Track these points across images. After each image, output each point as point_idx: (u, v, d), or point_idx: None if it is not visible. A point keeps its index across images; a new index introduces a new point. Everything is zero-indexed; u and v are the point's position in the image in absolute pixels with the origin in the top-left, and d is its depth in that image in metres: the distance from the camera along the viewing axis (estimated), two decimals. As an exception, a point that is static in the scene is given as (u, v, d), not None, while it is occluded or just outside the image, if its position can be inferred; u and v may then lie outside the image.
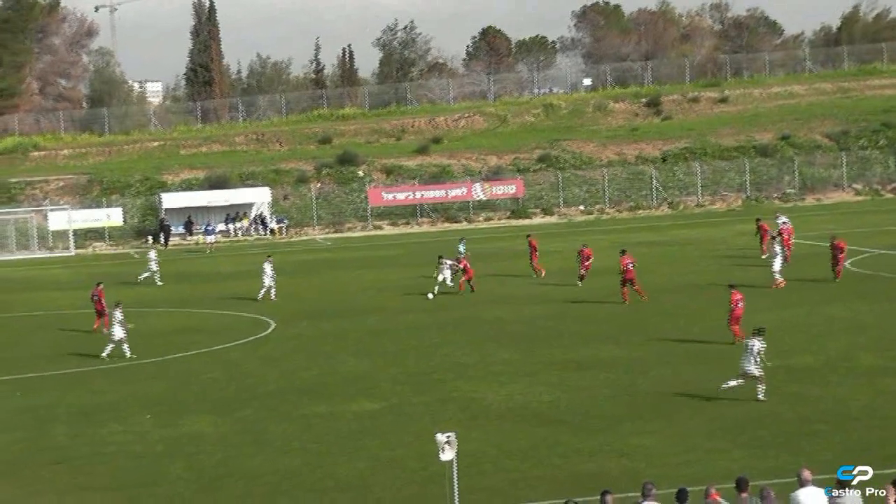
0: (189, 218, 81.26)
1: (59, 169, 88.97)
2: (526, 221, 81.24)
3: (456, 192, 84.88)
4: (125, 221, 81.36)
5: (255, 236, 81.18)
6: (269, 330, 40.58)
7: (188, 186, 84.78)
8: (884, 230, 60.73)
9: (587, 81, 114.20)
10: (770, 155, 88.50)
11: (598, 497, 16.47)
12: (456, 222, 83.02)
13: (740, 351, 31.41)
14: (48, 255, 76.27)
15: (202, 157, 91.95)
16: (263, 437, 25.92)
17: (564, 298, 43.77)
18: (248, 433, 26.35)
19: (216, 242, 76.40)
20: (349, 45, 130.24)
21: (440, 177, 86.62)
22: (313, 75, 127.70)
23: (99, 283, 43.11)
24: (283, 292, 47.89)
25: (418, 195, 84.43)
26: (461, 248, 52.45)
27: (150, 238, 79.64)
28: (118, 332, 36.14)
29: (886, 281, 44.16)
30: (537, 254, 51.06)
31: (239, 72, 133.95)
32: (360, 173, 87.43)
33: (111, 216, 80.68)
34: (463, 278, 46.74)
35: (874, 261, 49.58)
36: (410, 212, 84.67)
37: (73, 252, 76.70)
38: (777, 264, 43.87)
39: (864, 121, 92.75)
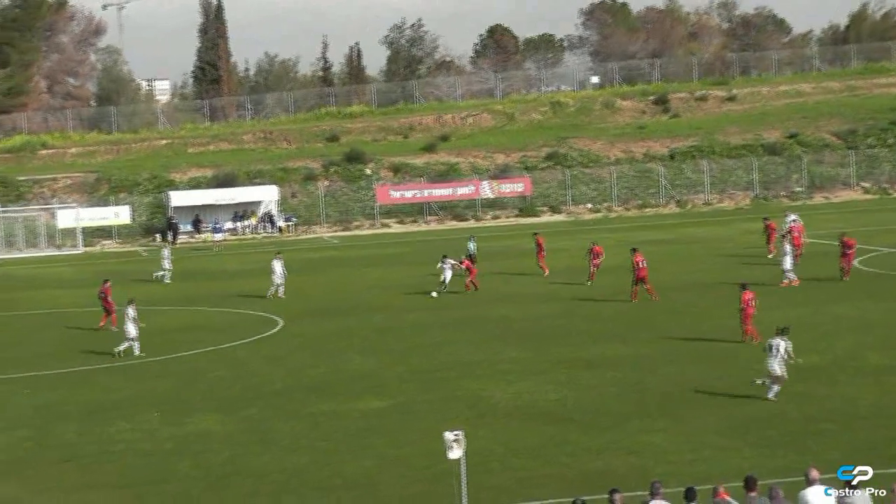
0: (197, 216, 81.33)
1: (68, 167, 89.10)
2: (534, 219, 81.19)
3: (464, 191, 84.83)
4: (133, 220, 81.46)
5: (263, 234, 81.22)
6: (276, 328, 40.60)
7: (196, 185, 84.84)
8: (892, 229, 60.60)
9: (595, 79, 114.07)
10: (778, 153, 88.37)
11: (607, 495, 16.44)
12: (464, 220, 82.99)
13: (749, 349, 31.46)
14: (56, 253, 76.41)
15: (210, 155, 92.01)
16: (270, 435, 25.93)
17: (572, 296, 43.73)
18: (255, 431, 26.36)
19: (224, 240, 76.47)
20: (357, 43, 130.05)
21: (448, 175, 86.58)
22: (321, 73, 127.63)
23: (106, 281, 43.19)
24: (291, 290, 47.93)
25: (426, 193, 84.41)
26: (471, 245, 52.46)
27: (158, 236, 79.71)
28: (131, 330, 36.17)
29: (894, 280, 44.04)
30: (544, 252, 51.04)
31: (247, 70, 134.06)
32: (368, 171, 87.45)
33: (119, 214, 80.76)
34: (468, 279, 46.68)
35: (882, 259, 49.47)
36: (418, 210, 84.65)
37: (81, 250, 76.85)
38: (788, 263, 43.75)
39: (872, 119, 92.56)
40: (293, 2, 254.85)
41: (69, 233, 78.57)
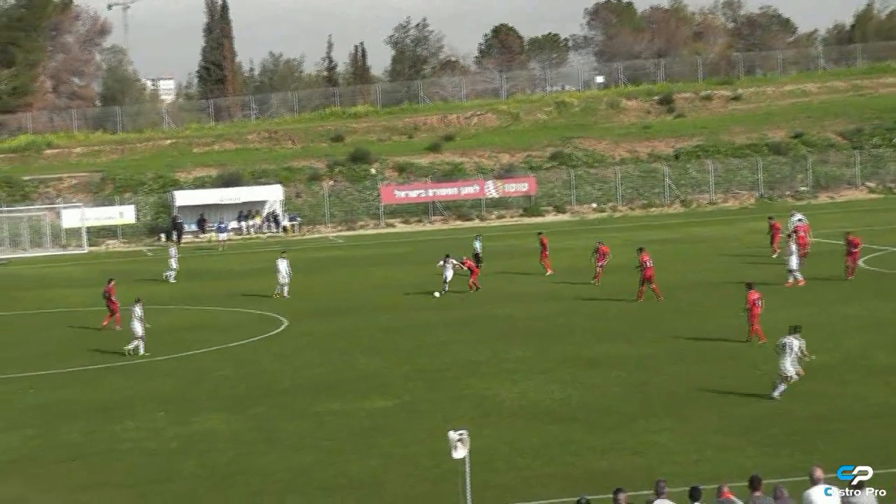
0: (202, 216, 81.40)
1: (73, 167, 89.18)
2: (538, 219, 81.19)
3: (468, 190, 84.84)
4: (138, 219, 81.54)
5: (268, 234, 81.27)
6: (281, 327, 40.62)
7: (201, 184, 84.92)
8: (897, 228, 60.56)
9: (600, 79, 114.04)
10: (783, 153, 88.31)
11: (611, 495, 16.43)
12: (468, 220, 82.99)
13: (754, 349, 31.44)
14: (61, 252, 76.50)
15: (215, 154, 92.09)
16: (276, 434, 25.94)
17: (576, 296, 43.73)
18: (260, 430, 26.37)
19: (228, 240, 76.52)
20: (362, 43, 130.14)
21: (452, 175, 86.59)
22: (326, 73, 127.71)
23: (110, 280, 43.24)
24: (295, 290, 47.95)
25: (430, 193, 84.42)
26: (477, 245, 52.47)
27: (163, 236, 79.78)
28: (138, 329, 36.22)
29: (900, 279, 44.02)
30: (547, 252, 51.05)
31: (252, 70, 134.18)
32: (373, 171, 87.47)
33: (124, 214, 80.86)
34: (471, 279, 46.68)
35: (889, 259, 49.42)
36: (423, 210, 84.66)
37: (86, 250, 76.94)
38: (794, 262, 43.68)
39: (877, 119, 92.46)
40: (298, 2, 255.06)
41: (74, 232, 78.66)
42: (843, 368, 29.22)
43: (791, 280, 43.31)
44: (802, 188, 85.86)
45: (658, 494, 16.53)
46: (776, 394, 26.18)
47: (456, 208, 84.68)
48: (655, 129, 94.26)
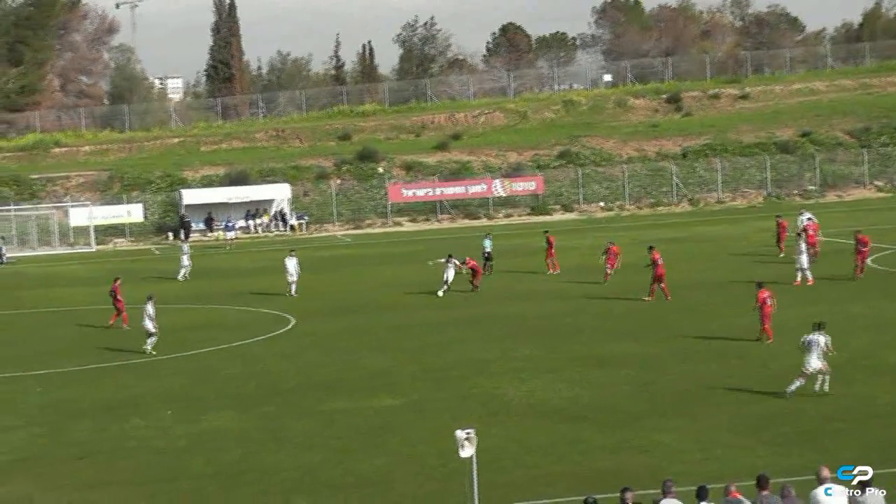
0: (209, 214, 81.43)
1: (80, 165, 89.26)
2: (546, 218, 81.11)
3: (476, 189, 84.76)
4: (146, 218, 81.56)
5: (275, 233, 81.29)
6: (289, 326, 40.65)
7: (208, 183, 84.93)
8: (906, 227, 60.41)
9: (607, 78, 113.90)
10: (791, 152, 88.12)
11: (619, 494, 16.43)
12: (476, 219, 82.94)
13: (762, 347, 31.42)
14: (69, 251, 76.59)
15: (222, 153, 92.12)
16: (284, 433, 25.96)
17: (583, 294, 43.70)
18: (268, 429, 26.39)
19: (236, 239, 76.56)
20: (369, 42, 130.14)
21: (460, 173, 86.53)
22: (333, 72, 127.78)
23: (116, 279, 43.26)
24: (303, 288, 47.96)
25: (438, 192, 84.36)
26: (487, 243, 52.43)
27: (171, 234, 79.84)
28: (150, 326, 36.26)
29: (909, 278, 43.93)
30: (554, 250, 51.03)
31: (259, 68, 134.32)
32: (380, 170, 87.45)
33: (132, 213, 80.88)
34: (475, 280, 46.62)
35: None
36: (430, 208, 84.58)
37: (93, 248, 77.00)
38: (804, 261, 43.58)
39: (885, 118, 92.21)
40: (306, 1, 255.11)
41: (82, 231, 78.73)
42: (850, 368, 29.15)
43: (799, 278, 43.23)
44: (810, 187, 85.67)
45: (665, 494, 16.52)
46: (791, 389, 26.09)
47: (463, 207, 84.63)
48: (663, 128, 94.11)
